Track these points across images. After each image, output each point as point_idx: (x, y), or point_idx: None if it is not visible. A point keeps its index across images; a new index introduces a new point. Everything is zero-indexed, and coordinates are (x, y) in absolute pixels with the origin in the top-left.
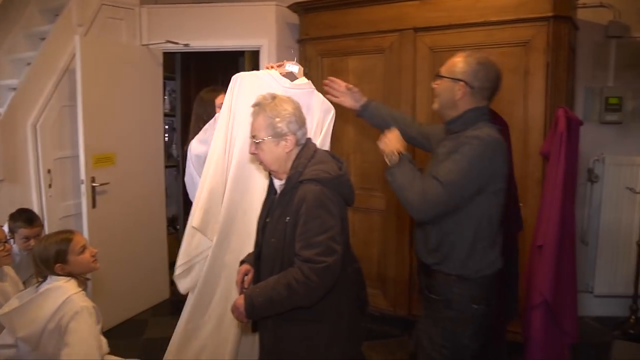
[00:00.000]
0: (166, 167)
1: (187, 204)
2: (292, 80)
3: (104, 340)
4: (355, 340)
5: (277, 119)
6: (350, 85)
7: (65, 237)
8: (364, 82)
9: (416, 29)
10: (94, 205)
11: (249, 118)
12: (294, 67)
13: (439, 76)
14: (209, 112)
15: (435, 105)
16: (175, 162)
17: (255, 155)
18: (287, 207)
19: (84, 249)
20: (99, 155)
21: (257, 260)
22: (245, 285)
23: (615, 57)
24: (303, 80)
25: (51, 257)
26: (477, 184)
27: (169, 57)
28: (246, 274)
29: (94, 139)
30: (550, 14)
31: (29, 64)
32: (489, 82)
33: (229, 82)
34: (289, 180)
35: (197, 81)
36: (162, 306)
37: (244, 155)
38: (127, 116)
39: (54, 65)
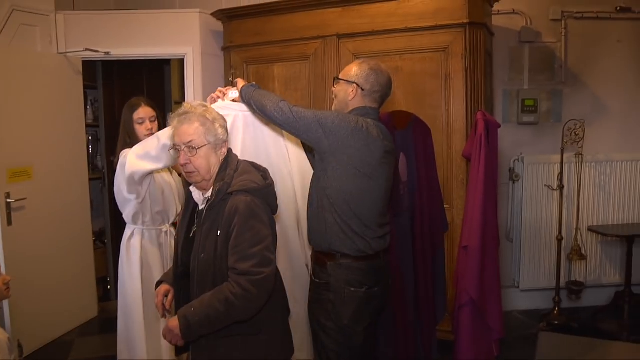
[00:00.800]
0: (91, 179)
1: (116, 217)
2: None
3: None
4: (288, 344)
5: (217, 125)
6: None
7: None
8: (290, 89)
9: (339, 36)
10: (9, 222)
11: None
12: (235, 93)
13: (337, 79)
14: (130, 122)
15: (333, 107)
16: (101, 174)
17: (186, 165)
18: (216, 220)
19: None
20: (14, 169)
21: (179, 279)
22: (167, 307)
23: (529, 61)
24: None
25: None
26: (323, 135)
27: (90, 65)
28: (166, 295)
29: (8, 152)
30: (465, 21)
31: None
32: (379, 86)
33: (155, 90)
34: (218, 192)
35: (120, 90)
36: (90, 325)
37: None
38: (45, 127)
39: None
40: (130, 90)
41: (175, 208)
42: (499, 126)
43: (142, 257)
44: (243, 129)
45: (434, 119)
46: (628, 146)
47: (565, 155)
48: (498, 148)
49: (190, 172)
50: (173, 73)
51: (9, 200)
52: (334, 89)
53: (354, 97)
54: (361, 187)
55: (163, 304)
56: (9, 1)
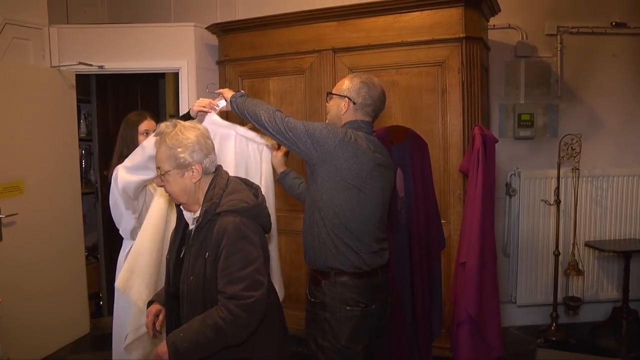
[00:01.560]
0: (83, 193)
1: (110, 232)
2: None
3: None
4: None
5: (179, 149)
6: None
7: None
8: (285, 103)
9: (335, 50)
10: (0, 238)
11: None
12: (223, 102)
13: (329, 94)
14: (133, 136)
15: (327, 121)
16: (94, 189)
17: (163, 188)
18: (205, 241)
19: None
20: (5, 184)
21: (171, 299)
22: (158, 327)
23: (525, 75)
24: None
25: None
26: (317, 148)
27: (83, 79)
28: (157, 315)
29: None
30: (462, 35)
31: None
32: (370, 99)
33: (149, 104)
34: (205, 213)
35: (114, 104)
36: (82, 342)
37: None
38: (37, 141)
39: None
40: (124, 104)
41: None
42: (497, 141)
43: None
44: (235, 147)
45: (430, 134)
46: (624, 161)
47: (561, 170)
48: (496, 163)
49: (169, 195)
50: (168, 87)
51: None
52: (327, 104)
53: (346, 111)
54: (351, 199)
55: (154, 325)
56: (2, 15)
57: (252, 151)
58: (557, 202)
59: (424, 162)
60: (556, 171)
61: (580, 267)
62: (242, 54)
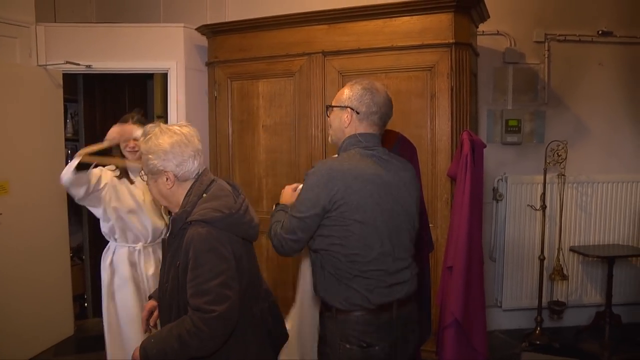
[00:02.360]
0: (69, 194)
1: (94, 232)
2: None
3: None
4: None
5: (150, 155)
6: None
7: None
8: (274, 105)
9: (325, 53)
10: None
11: None
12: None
13: (329, 107)
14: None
15: (330, 139)
16: None
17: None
18: (177, 250)
19: None
20: None
21: None
22: (151, 323)
23: (513, 81)
24: None
25: None
26: (318, 210)
27: (71, 78)
28: (152, 312)
29: None
30: (451, 41)
31: None
32: (375, 106)
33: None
34: (174, 221)
35: (101, 104)
36: (66, 344)
37: None
38: (23, 141)
39: None
40: (112, 104)
41: (151, 228)
42: (485, 146)
43: (110, 273)
44: None
45: (419, 138)
46: (610, 167)
47: (547, 176)
48: (484, 168)
49: None
50: (156, 87)
51: None
52: (328, 118)
53: (349, 123)
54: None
55: (147, 320)
56: None
57: None
58: (543, 207)
59: (413, 166)
60: (542, 177)
61: (565, 271)
62: (232, 55)
